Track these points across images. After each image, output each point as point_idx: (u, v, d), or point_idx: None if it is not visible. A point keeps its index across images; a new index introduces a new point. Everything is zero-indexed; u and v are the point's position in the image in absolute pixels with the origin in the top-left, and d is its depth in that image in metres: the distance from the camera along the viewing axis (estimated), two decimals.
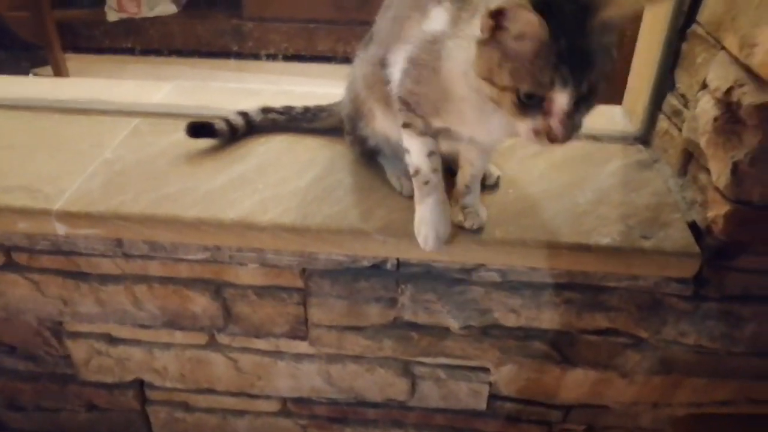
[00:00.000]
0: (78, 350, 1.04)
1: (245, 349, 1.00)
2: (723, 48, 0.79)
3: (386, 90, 0.78)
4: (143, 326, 0.99)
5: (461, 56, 0.63)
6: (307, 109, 1.02)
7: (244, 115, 1.00)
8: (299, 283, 0.92)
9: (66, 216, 0.85)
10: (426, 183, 0.78)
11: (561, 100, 0.56)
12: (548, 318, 0.90)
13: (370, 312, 0.92)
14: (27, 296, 0.97)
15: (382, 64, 0.77)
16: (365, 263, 0.89)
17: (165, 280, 0.93)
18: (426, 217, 0.79)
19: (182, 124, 1.05)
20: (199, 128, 0.97)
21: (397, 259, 0.88)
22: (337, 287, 0.91)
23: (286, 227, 0.84)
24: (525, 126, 0.59)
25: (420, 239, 0.79)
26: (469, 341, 0.94)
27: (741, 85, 0.73)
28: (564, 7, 0.55)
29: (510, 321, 0.91)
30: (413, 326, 0.93)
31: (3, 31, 2.81)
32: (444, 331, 0.93)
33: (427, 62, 0.68)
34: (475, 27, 0.59)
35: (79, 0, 3.25)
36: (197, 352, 1.02)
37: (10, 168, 0.93)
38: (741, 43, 0.73)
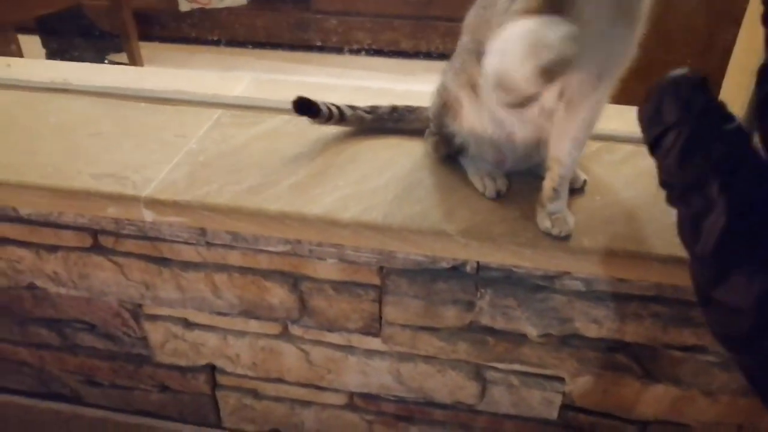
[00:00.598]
0: (155, 333, 1.07)
1: (317, 342, 1.01)
2: None
3: (476, 77, 0.78)
4: (220, 313, 1.01)
5: None
6: (394, 109, 1.01)
7: (337, 107, 1.00)
8: (376, 281, 0.92)
9: (154, 203, 0.87)
10: None
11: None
12: (632, 331, 0.87)
13: (446, 314, 0.92)
14: (110, 278, 1.00)
15: (478, 53, 0.76)
16: (444, 264, 0.88)
17: (245, 270, 0.95)
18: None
19: (262, 117, 1.07)
20: (306, 106, 0.96)
21: (477, 262, 0.87)
22: (414, 287, 0.90)
23: (368, 225, 0.84)
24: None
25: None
26: (547, 349, 0.92)
27: None
28: None
29: (591, 332, 0.89)
30: (490, 331, 0.92)
31: (81, 19, 2.91)
32: (521, 338, 0.91)
33: None
34: None
35: None
36: (270, 342, 1.03)
37: (99, 155, 0.96)
38: None
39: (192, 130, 1.03)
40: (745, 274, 0.36)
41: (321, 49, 3.13)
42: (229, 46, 3.23)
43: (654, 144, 0.39)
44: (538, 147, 0.85)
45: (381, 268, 0.90)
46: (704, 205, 0.37)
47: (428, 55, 2.80)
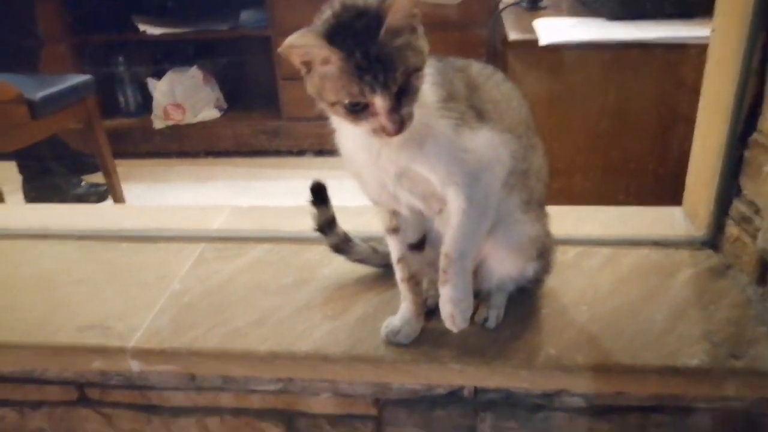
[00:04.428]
0: None
1: None
2: None
3: None
4: None
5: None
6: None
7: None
8: (373, 412, 0.90)
9: (140, 353, 0.86)
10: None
11: (378, 102, 0.63)
12: None
13: None
14: (98, 431, 0.97)
15: None
16: (441, 391, 0.87)
17: (237, 412, 0.92)
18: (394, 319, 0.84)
19: (245, 248, 1.08)
20: (319, 191, 0.95)
21: (474, 387, 0.86)
22: (413, 416, 0.88)
23: (360, 358, 0.83)
24: (365, 128, 0.66)
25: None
26: None
27: None
28: (353, 24, 0.63)
29: None
30: None
31: (55, 143, 2.94)
32: None
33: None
34: None
35: (126, 110, 3.43)
36: None
37: (82, 305, 0.95)
38: None
39: (175, 269, 1.03)
40: None
41: (294, 153, 3.21)
42: (204, 157, 3.29)
43: None
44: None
45: (377, 400, 0.89)
46: None
47: None
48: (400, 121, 0.65)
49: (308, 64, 0.66)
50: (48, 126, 2.34)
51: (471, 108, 0.73)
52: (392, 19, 0.62)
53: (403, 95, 0.64)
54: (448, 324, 0.75)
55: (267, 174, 3.09)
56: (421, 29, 0.66)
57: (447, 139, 0.70)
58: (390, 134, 0.65)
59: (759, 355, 0.79)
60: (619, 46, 1.40)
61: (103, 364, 0.88)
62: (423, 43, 0.66)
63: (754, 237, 0.90)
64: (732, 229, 0.96)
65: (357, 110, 0.65)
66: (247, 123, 3.32)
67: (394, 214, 0.81)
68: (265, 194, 2.86)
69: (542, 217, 0.85)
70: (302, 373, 0.86)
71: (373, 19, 0.62)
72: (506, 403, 0.86)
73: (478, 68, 0.79)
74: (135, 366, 0.86)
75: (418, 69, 0.65)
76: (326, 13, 0.65)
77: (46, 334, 0.88)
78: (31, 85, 2.23)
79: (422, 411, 0.88)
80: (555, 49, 1.41)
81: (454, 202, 0.72)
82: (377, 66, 0.62)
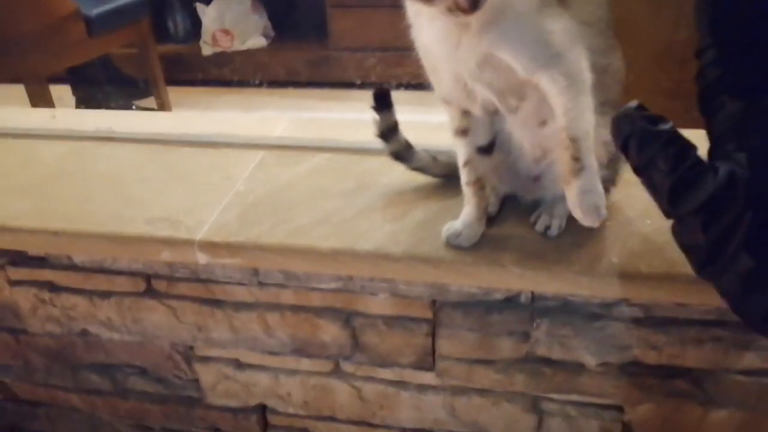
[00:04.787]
0: (207, 374, 1.07)
1: (369, 378, 1.01)
2: None
3: None
4: (271, 353, 1.01)
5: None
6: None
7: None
8: (429, 314, 0.92)
9: (208, 246, 0.89)
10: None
11: None
12: (693, 356, 0.86)
13: (501, 345, 0.91)
14: (163, 322, 1.01)
15: None
16: (498, 296, 0.88)
17: (297, 309, 0.95)
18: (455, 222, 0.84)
19: (304, 156, 1.09)
20: (383, 96, 0.94)
21: (532, 292, 0.86)
22: (468, 319, 0.90)
23: (420, 258, 0.84)
24: (440, 8, 0.63)
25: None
26: (606, 378, 0.90)
27: None
28: None
29: (651, 358, 0.87)
30: (547, 362, 0.91)
31: (108, 66, 2.99)
32: (579, 368, 0.90)
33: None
34: None
35: (175, 35, 3.44)
36: (322, 380, 1.03)
37: (150, 200, 0.98)
38: None
39: (238, 172, 1.05)
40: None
41: (341, 84, 3.18)
42: (251, 86, 3.29)
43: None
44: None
45: (434, 302, 0.90)
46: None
47: None
48: None
49: None
50: (103, 44, 2.38)
51: None
52: None
53: None
54: (590, 219, 0.69)
55: (315, 105, 3.09)
56: None
57: (530, 20, 0.67)
58: (465, 11, 0.62)
59: None
60: None
61: (171, 255, 0.91)
62: None
63: None
64: None
65: None
66: (294, 52, 3.31)
67: (465, 114, 0.80)
68: None
69: None
70: (363, 270, 0.87)
71: None
72: (563, 310, 0.87)
73: None
74: (201, 258, 0.89)
75: None
76: None
77: (117, 225, 0.92)
78: (88, 2, 2.25)
79: (478, 315, 0.89)
80: None
81: (552, 86, 0.68)
82: None
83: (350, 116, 2.68)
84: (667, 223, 0.86)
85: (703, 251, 0.45)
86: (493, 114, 0.79)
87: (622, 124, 0.50)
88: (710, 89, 0.46)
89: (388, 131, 0.96)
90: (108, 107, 2.94)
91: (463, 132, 0.82)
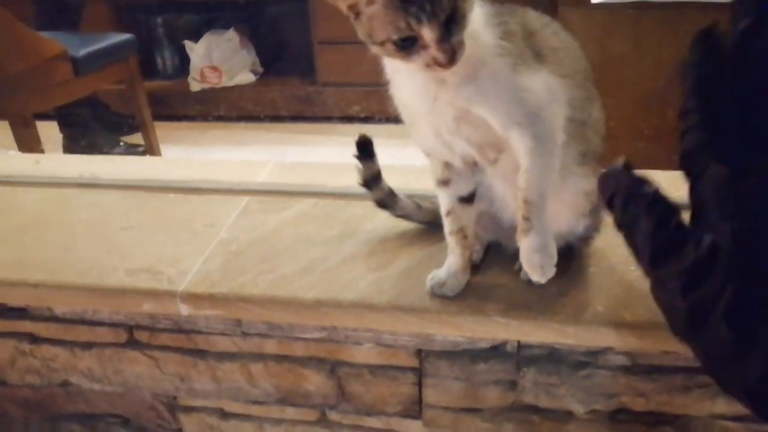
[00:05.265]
0: (190, 424, 1.05)
1: (356, 427, 0.99)
2: None
3: None
4: (256, 402, 1.00)
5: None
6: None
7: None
8: (414, 363, 0.91)
9: (190, 297, 0.88)
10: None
11: (426, 33, 0.61)
12: (680, 403, 0.85)
13: (488, 394, 0.90)
14: (145, 372, 1.00)
15: None
16: (484, 345, 0.87)
17: (281, 359, 0.94)
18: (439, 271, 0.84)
19: (289, 202, 1.09)
20: (365, 145, 0.94)
21: (518, 341, 0.86)
22: (454, 368, 0.89)
23: (404, 308, 0.83)
24: (418, 64, 0.65)
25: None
26: (595, 426, 0.89)
27: None
28: None
29: (638, 405, 0.87)
30: (535, 410, 0.90)
31: (95, 103, 2.99)
32: (567, 415, 0.90)
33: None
34: None
35: (164, 72, 3.46)
36: (308, 429, 1.01)
37: (133, 249, 0.97)
38: None
39: (221, 219, 1.04)
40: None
41: (328, 119, 3.21)
42: (238, 121, 3.31)
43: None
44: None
45: (419, 351, 0.90)
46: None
47: None
48: (451, 51, 0.62)
49: (355, 8, 0.64)
50: (90, 83, 2.38)
51: (529, 48, 0.71)
52: None
53: (451, 22, 0.62)
54: (536, 276, 0.73)
55: (302, 140, 3.11)
56: None
57: (505, 77, 0.69)
58: (443, 65, 0.63)
59: None
60: (674, 4, 1.36)
61: (153, 306, 0.90)
62: None
63: None
64: None
65: (407, 45, 0.63)
66: (282, 88, 3.33)
67: (447, 166, 0.81)
68: (301, 160, 2.88)
69: (597, 172, 0.83)
70: (347, 321, 0.87)
71: None
72: (549, 359, 0.86)
73: (534, 15, 0.77)
74: (184, 310, 0.88)
75: None
76: None
77: (99, 276, 0.91)
78: (75, 43, 2.26)
79: (464, 364, 0.89)
80: (608, 7, 1.37)
81: (520, 144, 0.70)
82: None
83: (336, 150, 2.70)
84: None
85: (681, 316, 0.45)
86: (473, 165, 0.79)
87: (608, 182, 0.51)
88: (693, 153, 0.45)
89: (372, 180, 0.96)
90: (95, 143, 2.94)
91: (444, 182, 0.82)
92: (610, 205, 0.51)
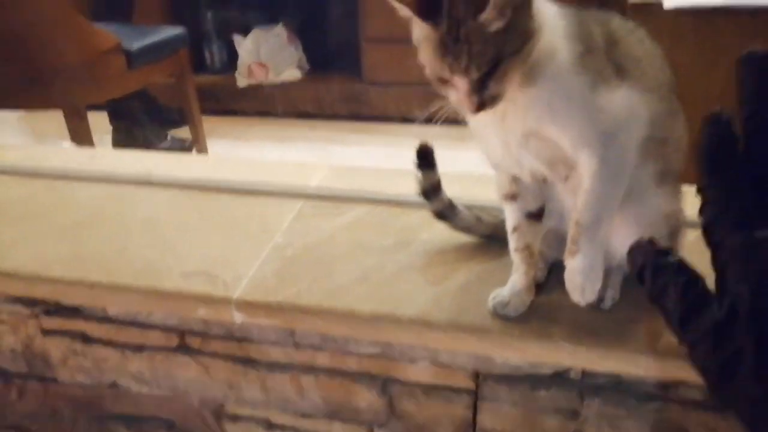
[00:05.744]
0: None
1: None
2: None
3: None
4: (304, 415, 0.98)
5: None
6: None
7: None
8: (471, 385, 0.87)
9: (245, 305, 0.86)
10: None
11: (458, 83, 0.61)
12: None
13: (547, 423, 0.86)
14: (195, 378, 0.99)
15: None
16: (546, 370, 0.83)
17: (332, 372, 0.92)
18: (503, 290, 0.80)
19: (343, 208, 1.07)
20: (426, 154, 0.92)
21: (583, 369, 0.82)
22: (513, 394, 0.85)
23: (465, 328, 0.80)
24: (451, 98, 0.65)
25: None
26: None
27: None
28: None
29: None
30: None
31: (144, 96, 3.02)
32: None
33: None
34: None
35: (212, 66, 3.49)
36: None
37: (188, 250, 0.96)
38: None
39: (276, 223, 1.02)
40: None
41: (374, 118, 3.18)
42: (284, 117, 3.31)
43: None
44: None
45: (476, 373, 0.86)
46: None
47: None
48: (479, 104, 0.62)
49: (409, 18, 0.63)
50: (143, 77, 2.41)
51: (611, 62, 0.67)
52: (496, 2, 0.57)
53: (489, 78, 0.60)
54: (576, 296, 0.71)
55: (347, 139, 3.09)
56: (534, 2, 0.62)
57: (582, 98, 0.65)
58: (470, 111, 0.63)
59: None
60: (753, 11, 1.29)
61: (207, 312, 0.88)
62: (530, 21, 0.61)
63: None
64: None
65: (441, 80, 0.63)
66: (328, 85, 3.32)
67: (514, 180, 0.77)
68: (345, 159, 2.87)
69: (677, 192, 0.79)
70: (404, 338, 0.84)
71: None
72: (616, 389, 0.82)
73: (619, 22, 0.73)
74: (238, 317, 0.87)
75: (515, 52, 0.60)
76: None
77: (154, 278, 0.90)
78: (128, 36, 2.28)
79: (524, 389, 0.85)
80: (681, 13, 1.31)
81: (586, 165, 0.67)
82: (463, 48, 0.58)
83: (383, 151, 2.67)
84: None
85: (713, 376, 0.48)
86: (542, 181, 0.76)
87: (637, 256, 0.55)
88: (711, 225, 0.49)
89: (431, 190, 0.93)
90: (144, 136, 2.98)
91: (512, 197, 0.79)
92: (640, 277, 0.54)
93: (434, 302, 0.84)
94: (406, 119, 3.03)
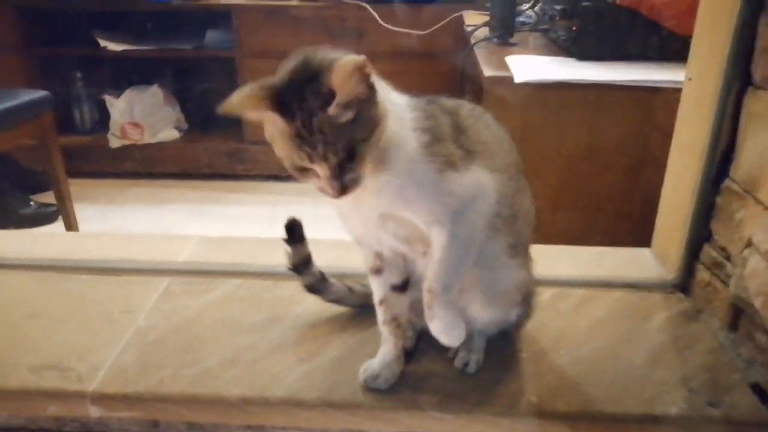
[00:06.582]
0: None
1: None
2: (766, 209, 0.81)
3: None
4: None
5: None
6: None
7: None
8: None
9: (101, 398, 0.81)
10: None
11: (318, 170, 0.64)
12: None
13: None
14: None
15: None
16: None
17: None
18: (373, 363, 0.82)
19: (213, 283, 1.04)
20: (294, 228, 0.92)
21: None
22: None
23: (337, 405, 0.80)
24: (315, 185, 0.67)
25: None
26: None
27: None
28: (303, 88, 0.61)
29: None
30: None
31: (5, 159, 2.82)
32: None
33: None
34: None
35: (82, 127, 3.32)
36: None
37: (39, 341, 0.89)
38: None
39: (140, 304, 0.98)
40: None
41: (255, 177, 3.15)
42: (162, 178, 3.20)
43: None
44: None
45: None
46: None
47: None
48: (341, 187, 0.65)
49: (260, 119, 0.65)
50: (1, 141, 2.25)
51: (459, 149, 0.72)
52: (341, 94, 0.60)
53: (348, 162, 0.64)
54: (444, 342, 0.75)
55: (227, 198, 3.03)
56: (379, 90, 0.65)
57: (430, 184, 0.69)
58: (333, 196, 0.65)
59: (735, 403, 0.79)
60: (592, 86, 1.43)
61: (59, 409, 0.82)
62: (376, 110, 0.64)
63: (725, 283, 0.91)
64: (703, 274, 0.98)
65: (303, 171, 0.66)
66: (207, 145, 3.26)
67: (378, 255, 0.79)
68: (225, 219, 2.80)
69: (528, 262, 0.84)
70: (275, 420, 0.82)
71: (324, 86, 0.61)
72: None
73: (468, 109, 0.78)
74: (94, 412, 0.81)
75: (366, 139, 0.64)
76: (287, 66, 0.64)
77: None
78: None
79: None
80: (530, 87, 1.43)
81: (437, 239, 0.71)
82: (318, 137, 0.62)
83: (264, 210, 2.65)
84: (581, 353, 0.88)
85: None
86: (403, 256, 0.78)
87: None
88: None
89: (301, 264, 0.93)
90: (4, 202, 2.76)
91: (377, 271, 0.81)
92: None
93: (306, 380, 0.83)
94: (287, 177, 3.03)
